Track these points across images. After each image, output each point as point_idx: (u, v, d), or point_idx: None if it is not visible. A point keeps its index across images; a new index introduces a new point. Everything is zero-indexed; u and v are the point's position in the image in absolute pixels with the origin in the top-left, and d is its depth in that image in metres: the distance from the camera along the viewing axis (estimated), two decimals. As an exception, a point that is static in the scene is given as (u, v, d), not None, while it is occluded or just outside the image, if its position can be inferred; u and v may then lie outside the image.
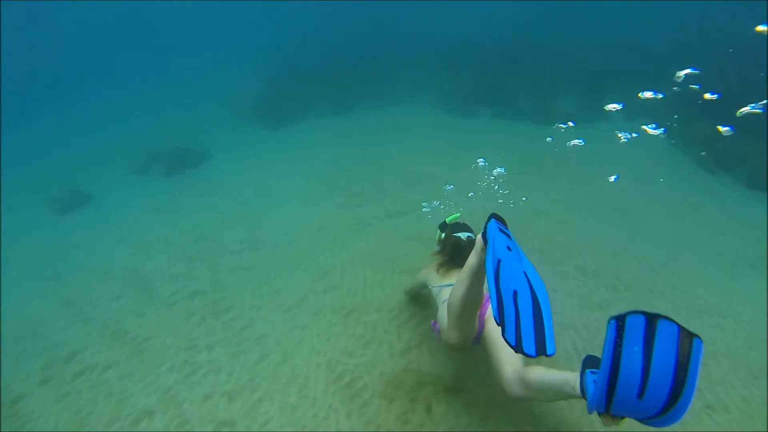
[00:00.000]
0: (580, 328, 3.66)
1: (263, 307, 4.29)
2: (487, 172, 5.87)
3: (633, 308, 3.25)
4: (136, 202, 7.88)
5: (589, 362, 1.84)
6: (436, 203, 5.45)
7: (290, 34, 21.75)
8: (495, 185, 5.82)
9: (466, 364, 3.22)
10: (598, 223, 5.27)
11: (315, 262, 4.87)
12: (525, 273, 1.81)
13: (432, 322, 2.95)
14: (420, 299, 3.89)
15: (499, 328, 1.68)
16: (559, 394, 2.01)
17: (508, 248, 1.93)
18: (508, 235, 2.05)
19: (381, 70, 13.77)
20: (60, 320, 4.54)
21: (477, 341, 2.62)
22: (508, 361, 2.34)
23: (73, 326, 4.38)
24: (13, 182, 10.06)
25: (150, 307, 4.47)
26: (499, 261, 1.85)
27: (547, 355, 1.52)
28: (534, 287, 1.73)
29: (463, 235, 3.19)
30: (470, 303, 2.27)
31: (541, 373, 2.14)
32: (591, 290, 4.11)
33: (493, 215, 2.12)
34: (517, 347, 1.56)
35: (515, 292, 1.71)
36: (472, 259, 2.19)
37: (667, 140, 8.60)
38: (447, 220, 3.53)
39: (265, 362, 3.57)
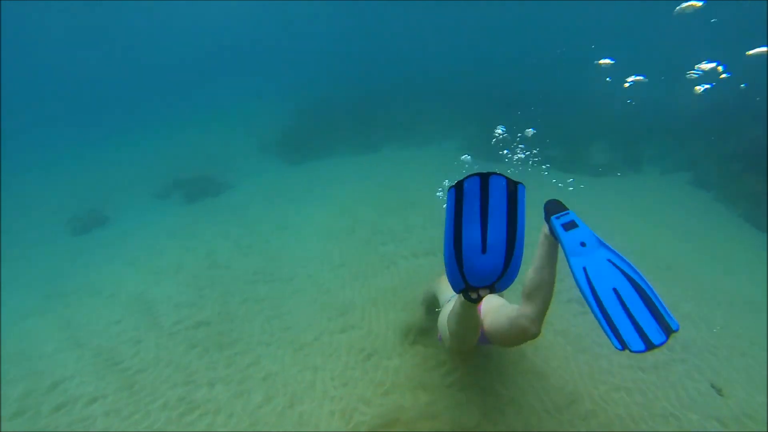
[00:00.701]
0: (633, 391, 3.14)
1: (273, 344, 3.87)
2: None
3: (695, 374, 3.17)
4: (152, 225, 7.71)
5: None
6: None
7: (321, 70, 22.48)
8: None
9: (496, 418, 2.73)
10: (646, 275, 4.78)
11: (333, 299, 4.46)
12: (611, 261, 1.74)
13: (438, 335, 2.95)
14: (434, 310, 3.50)
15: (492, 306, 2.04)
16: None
17: (582, 244, 1.82)
18: (573, 224, 1.92)
19: (410, 112, 13.87)
20: (52, 342, 4.19)
21: (483, 341, 2.45)
22: (509, 316, 2.18)
23: (65, 350, 4.02)
24: (35, 197, 10.10)
25: (149, 335, 4.09)
26: (585, 268, 1.74)
27: (674, 331, 1.48)
28: (628, 272, 1.68)
29: None
30: (469, 330, 2.25)
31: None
32: (644, 350, 3.60)
33: (546, 207, 2.02)
34: (649, 347, 1.46)
35: (615, 290, 1.64)
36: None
37: (711, 195, 8.17)
38: None
39: (269, 405, 3.12)
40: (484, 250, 1.64)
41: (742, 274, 5.12)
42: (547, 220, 1.98)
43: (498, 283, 1.74)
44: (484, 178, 1.59)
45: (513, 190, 1.61)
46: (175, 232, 6.96)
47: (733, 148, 9.35)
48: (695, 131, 11.70)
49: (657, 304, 1.56)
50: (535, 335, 2.08)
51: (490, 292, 1.79)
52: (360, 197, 7.59)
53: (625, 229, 6.06)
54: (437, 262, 5.05)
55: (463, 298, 1.96)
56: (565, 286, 4.45)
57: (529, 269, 2.12)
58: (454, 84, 16.35)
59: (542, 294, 2.06)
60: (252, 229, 6.65)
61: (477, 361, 3.30)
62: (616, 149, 11.07)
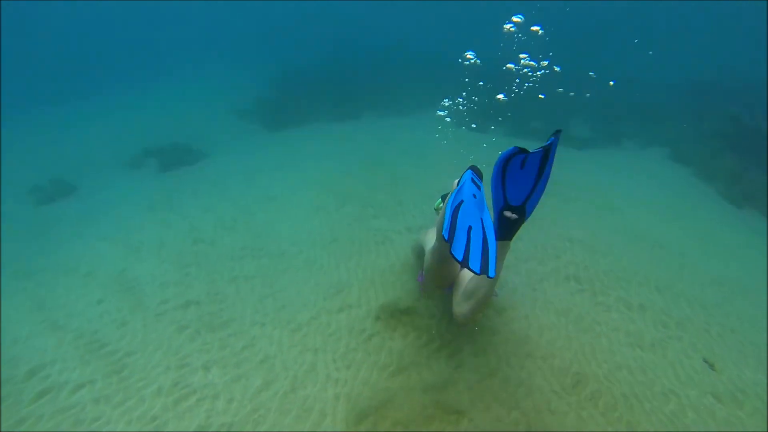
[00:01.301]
0: (635, 369, 3.19)
1: (267, 324, 3.72)
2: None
3: (690, 351, 3.36)
4: (126, 197, 7.25)
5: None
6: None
7: (298, 38, 21.60)
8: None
9: (507, 400, 2.72)
10: (637, 255, 4.83)
11: (327, 277, 4.31)
12: (482, 220, 2.09)
13: (420, 272, 3.53)
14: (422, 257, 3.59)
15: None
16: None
17: (474, 196, 2.18)
18: (478, 186, 2.31)
19: (391, 79, 13.51)
20: (26, 326, 3.89)
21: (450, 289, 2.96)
22: (459, 298, 2.65)
23: (41, 334, 3.74)
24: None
25: (135, 316, 3.86)
26: (462, 202, 2.10)
27: (489, 276, 1.82)
28: (487, 234, 2.01)
29: None
30: (442, 265, 2.75)
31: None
32: (639, 327, 3.65)
33: (471, 167, 2.37)
34: (464, 262, 1.83)
35: (470, 228, 1.99)
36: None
37: (690, 171, 8.36)
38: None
39: (270, 390, 3.01)
40: (522, 166, 2.07)
41: (726, 254, 5.28)
42: (466, 170, 2.37)
43: (527, 203, 2.19)
44: (522, 150, 2.02)
45: (548, 148, 2.01)
46: (152, 205, 6.56)
47: (712, 127, 9.56)
48: (671, 109, 11.94)
49: (491, 255, 1.90)
50: (463, 324, 2.70)
51: (518, 217, 2.20)
52: (345, 167, 7.36)
53: (612, 205, 6.11)
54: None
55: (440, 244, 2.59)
56: (563, 263, 4.47)
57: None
58: (434, 56, 15.94)
59: (480, 296, 2.46)
60: (235, 202, 6.34)
61: (482, 342, 3.26)
62: (596, 126, 11.18)
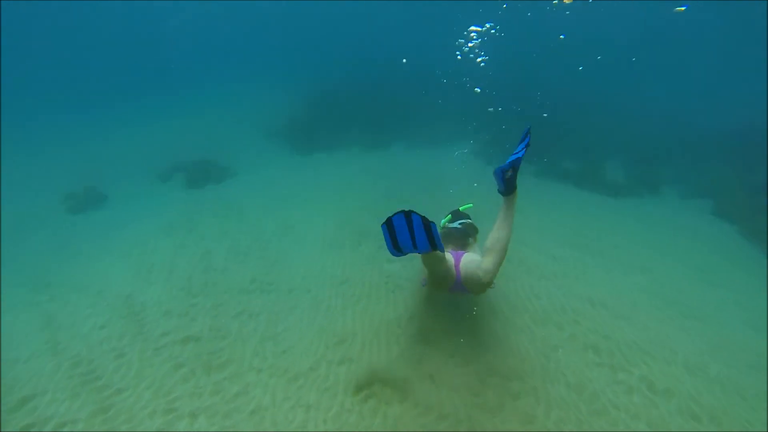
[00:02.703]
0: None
1: (265, 370, 3.60)
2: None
3: None
4: (150, 212, 7.41)
5: None
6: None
7: (333, 61, 21.98)
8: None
9: None
10: (665, 325, 4.45)
11: (333, 321, 4.17)
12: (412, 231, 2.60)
13: (423, 278, 3.92)
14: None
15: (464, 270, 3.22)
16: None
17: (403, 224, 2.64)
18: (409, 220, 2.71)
19: (423, 110, 13.46)
20: (31, 345, 3.92)
21: (461, 288, 3.34)
22: (476, 267, 3.16)
23: (42, 356, 3.75)
24: (33, 173, 9.81)
25: (134, 347, 3.81)
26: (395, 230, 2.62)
27: (439, 251, 2.70)
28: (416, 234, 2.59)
29: (456, 224, 4.10)
30: (435, 266, 3.14)
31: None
32: (663, 415, 3.30)
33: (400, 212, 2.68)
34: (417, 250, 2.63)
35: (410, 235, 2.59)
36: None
37: (734, 229, 7.78)
38: (460, 208, 4.55)
39: (254, 450, 2.85)
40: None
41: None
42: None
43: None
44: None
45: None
46: (172, 225, 6.64)
47: (762, 180, 8.93)
48: (716, 156, 11.27)
49: (435, 239, 2.58)
50: (488, 283, 3.09)
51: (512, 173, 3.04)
52: (366, 201, 7.26)
53: (642, 264, 5.73)
54: (452, 298, 4.71)
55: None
56: (581, 330, 4.15)
57: (491, 230, 3.14)
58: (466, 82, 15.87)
59: (499, 248, 3.04)
60: (252, 228, 6.34)
61: (482, 420, 3.02)
62: (632, 171, 10.68)
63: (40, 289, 4.96)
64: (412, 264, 5.21)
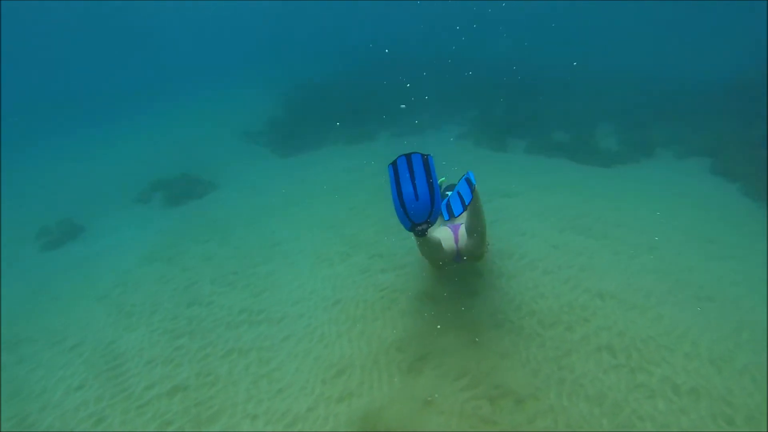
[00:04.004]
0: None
1: (261, 416, 3.32)
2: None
3: None
4: (130, 241, 7.04)
5: None
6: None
7: (312, 49, 21.34)
8: None
9: None
10: (680, 310, 4.18)
11: (328, 350, 3.88)
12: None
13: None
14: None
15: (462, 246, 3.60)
16: None
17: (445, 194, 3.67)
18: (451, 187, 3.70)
19: (406, 96, 13.02)
20: (-1, 420, 3.60)
21: (458, 259, 3.73)
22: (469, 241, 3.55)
23: (12, 434, 3.44)
24: (3, 206, 9.35)
25: (115, 409, 3.51)
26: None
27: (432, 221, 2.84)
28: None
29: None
30: (431, 249, 3.43)
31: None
32: (694, 421, 3.04)
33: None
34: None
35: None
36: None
37: (737, 187, 7.43)
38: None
39: None
40: (416, 198, 2.71)
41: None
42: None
43: (430, 217, 2.78)
44: (407, 156, 2.77)
45: (426, 160, 2.77)
46: (153, 255, 6.28)
47: (762, 133, 8.59)
48: (710, 112, 10.92)
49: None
50: (480, 255, 3.73)
51: (428, 226, 2.84)
52: (355, 205, 6.92)
53: (649, 242, 5.44)
54: (451, 307, 4.41)
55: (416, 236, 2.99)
56: (593, 329, 3.88)
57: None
58: (450, 65, 15.37)
59: (479, 231, 3.37)
60: (237, 251, 6.00)
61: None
62: (624, 136, 10.34)
63: (10, 348, 4.61)
64: (405, 272, 4.91)
